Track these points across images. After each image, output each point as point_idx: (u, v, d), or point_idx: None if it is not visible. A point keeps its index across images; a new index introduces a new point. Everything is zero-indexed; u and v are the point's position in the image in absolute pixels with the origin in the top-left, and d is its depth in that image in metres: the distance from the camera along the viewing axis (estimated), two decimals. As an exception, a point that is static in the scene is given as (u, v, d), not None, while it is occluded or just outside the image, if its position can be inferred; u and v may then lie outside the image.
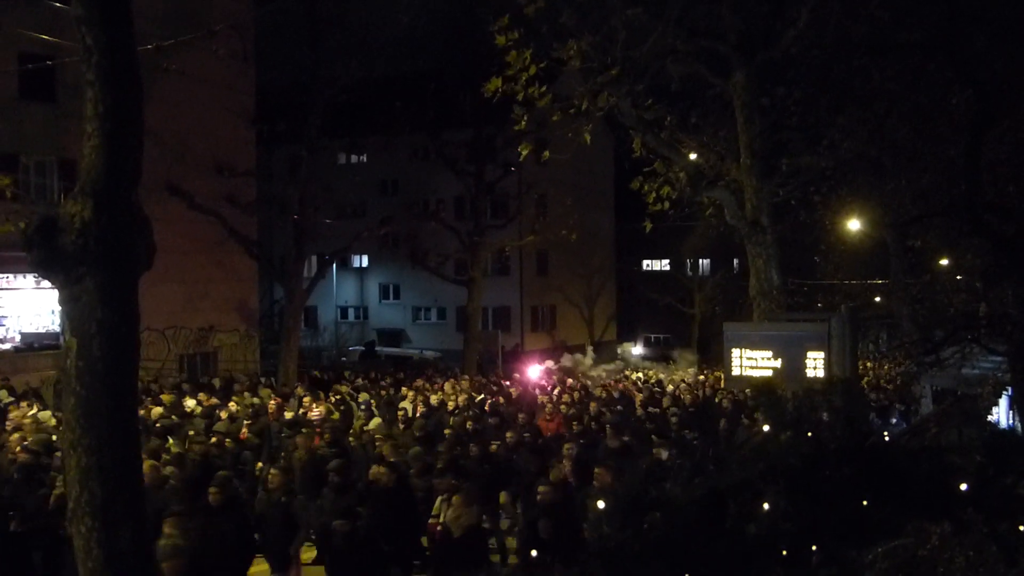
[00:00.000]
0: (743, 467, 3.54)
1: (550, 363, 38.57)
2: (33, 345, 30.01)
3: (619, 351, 51.22)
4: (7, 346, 29.99)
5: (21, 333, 30.67)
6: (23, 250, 6.26)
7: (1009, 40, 14.66)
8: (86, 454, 6.16)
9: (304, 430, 16.34)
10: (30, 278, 29.19)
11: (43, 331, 30.80)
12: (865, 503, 3.50)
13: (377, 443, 15.65)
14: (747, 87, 16.21)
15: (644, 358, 51.61)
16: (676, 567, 3.25)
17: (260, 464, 15.51)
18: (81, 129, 6.28)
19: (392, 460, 13.80)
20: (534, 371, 35.06)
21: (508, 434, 16.23)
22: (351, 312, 58.71)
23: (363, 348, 48.78)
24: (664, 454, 13.80)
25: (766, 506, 3.46)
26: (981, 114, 13.46)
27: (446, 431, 17.77)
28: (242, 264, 35.53)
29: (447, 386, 26.73)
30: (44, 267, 6.25)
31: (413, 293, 55.29)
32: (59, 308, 6.57)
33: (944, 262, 23.09)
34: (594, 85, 15.72)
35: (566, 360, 39.94)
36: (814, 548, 3.45)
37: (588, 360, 41.11)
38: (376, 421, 19.32)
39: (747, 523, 3.43)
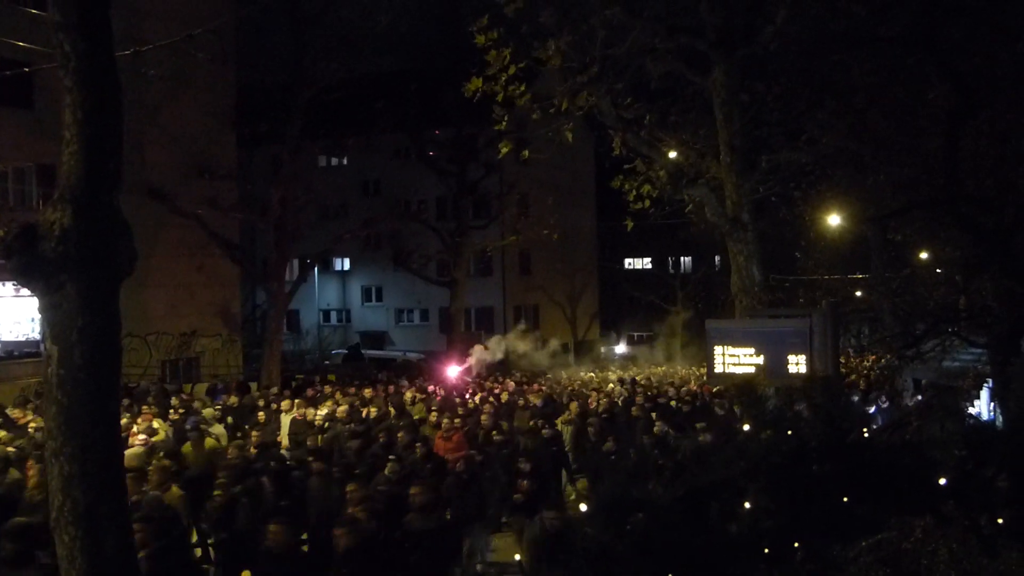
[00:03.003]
0: (725, 466, 3.56)
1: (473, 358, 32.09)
2: (13, 353, 29.86)
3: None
4: (-13, 354, 29.85)
5: (1, 341, 30.52)
6: (2, 257, 6.22)
7: (986, 33, 14.75)
8: (68, 462, 6.13)
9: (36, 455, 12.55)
10: (9, 286, 29.03)
11: (23, 339, 30.67)
12: (846, 499, 3.52)
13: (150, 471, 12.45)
14: (726, 84, 16.27)
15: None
16: (660, 567, 3.26)
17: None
18: (60, 135, 6.25)
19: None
20: (453, 371, 30.16)
21: (315, 465, 13.25)
22: (333, 315, 58.58)
23: (346, 351, 48.69)
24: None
25: (748, 504, 3.48)
26: (960, 107, 13.53)
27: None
28: (224, 268, 35.42)
29: (408, 394, 24.14)
30: (24, 274, 6.21)
31: (396, 295, 55.19)
32: (39, 316, 6.54)
33: (924, 255, 23.17)
34: (574, 84, 15.78)
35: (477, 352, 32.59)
36: (796, 545, 3.46)
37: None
38: (211, 441, 16.19)
39: (729, 522, 3.44)
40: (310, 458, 13.95)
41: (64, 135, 6.21)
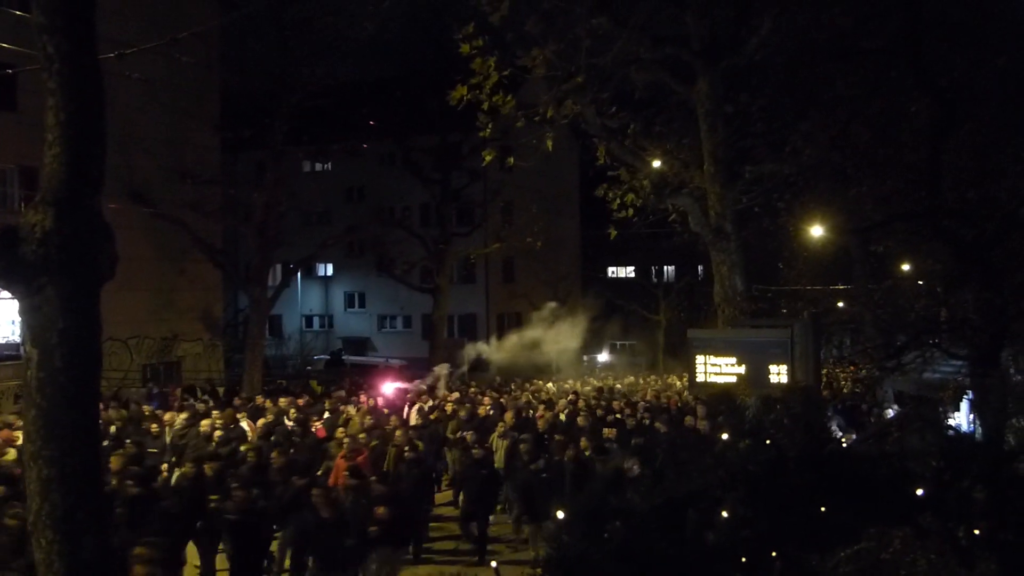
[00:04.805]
0: (703, 475, 3.56)
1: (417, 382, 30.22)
2: (-7, 355, 29.70)
3: None
4: (-33, 357, 29.65)
5: (-19, 344, 30.36)
6: (-17, 260, 6.19)
7: (968, 47, 14.86)
8: (47, 465, 6.10)
9: None
10: (-10, 288, 28.83)
11: (3, 342, 30.49)
12: (824, 509, 3.52)
13: None
14: (710, 94, 16.30)
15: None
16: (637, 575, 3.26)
17: None
18: (42, 137, 6.22)
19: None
20: (389, 387, 28.63)
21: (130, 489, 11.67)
22: (316, 321, 58.46)
23: (328, 356, 48.60)
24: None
25: (726, 513, 3.48)
26: (941, 120, 13.64)
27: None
28: (206, 272, 35.31)
29: (327, 404, 22.46)
30: (4, 277, 6.19)
31: (378, 301, 55.07)
32: (20, 318, 6.51)
33: (906, 267, 23.23)
34: (558, 93, 15.79)
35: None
36: (774, 554, 3.47)
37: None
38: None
39: (707, 530, 3.44)
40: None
41: (47, 137, 6.19)
